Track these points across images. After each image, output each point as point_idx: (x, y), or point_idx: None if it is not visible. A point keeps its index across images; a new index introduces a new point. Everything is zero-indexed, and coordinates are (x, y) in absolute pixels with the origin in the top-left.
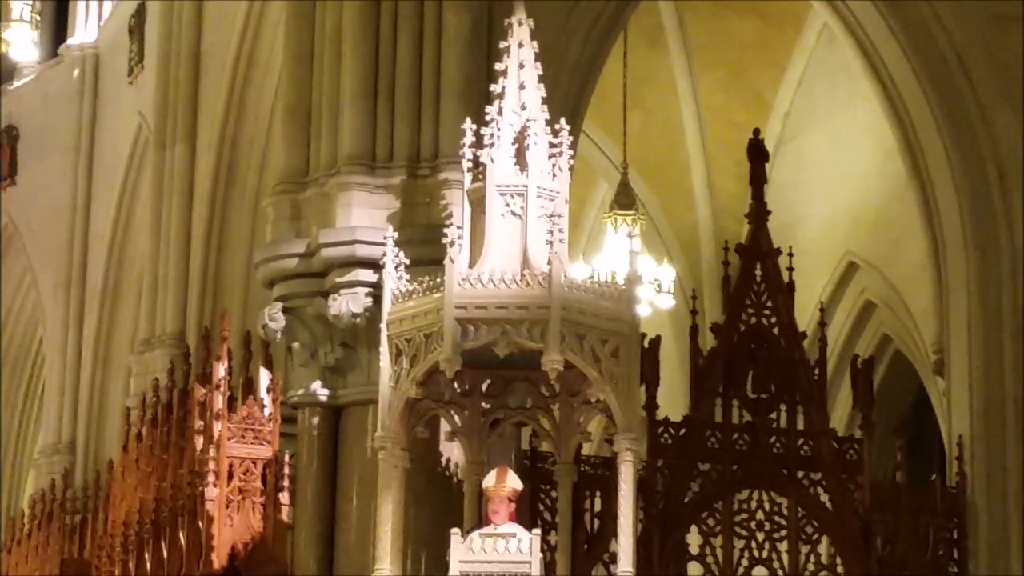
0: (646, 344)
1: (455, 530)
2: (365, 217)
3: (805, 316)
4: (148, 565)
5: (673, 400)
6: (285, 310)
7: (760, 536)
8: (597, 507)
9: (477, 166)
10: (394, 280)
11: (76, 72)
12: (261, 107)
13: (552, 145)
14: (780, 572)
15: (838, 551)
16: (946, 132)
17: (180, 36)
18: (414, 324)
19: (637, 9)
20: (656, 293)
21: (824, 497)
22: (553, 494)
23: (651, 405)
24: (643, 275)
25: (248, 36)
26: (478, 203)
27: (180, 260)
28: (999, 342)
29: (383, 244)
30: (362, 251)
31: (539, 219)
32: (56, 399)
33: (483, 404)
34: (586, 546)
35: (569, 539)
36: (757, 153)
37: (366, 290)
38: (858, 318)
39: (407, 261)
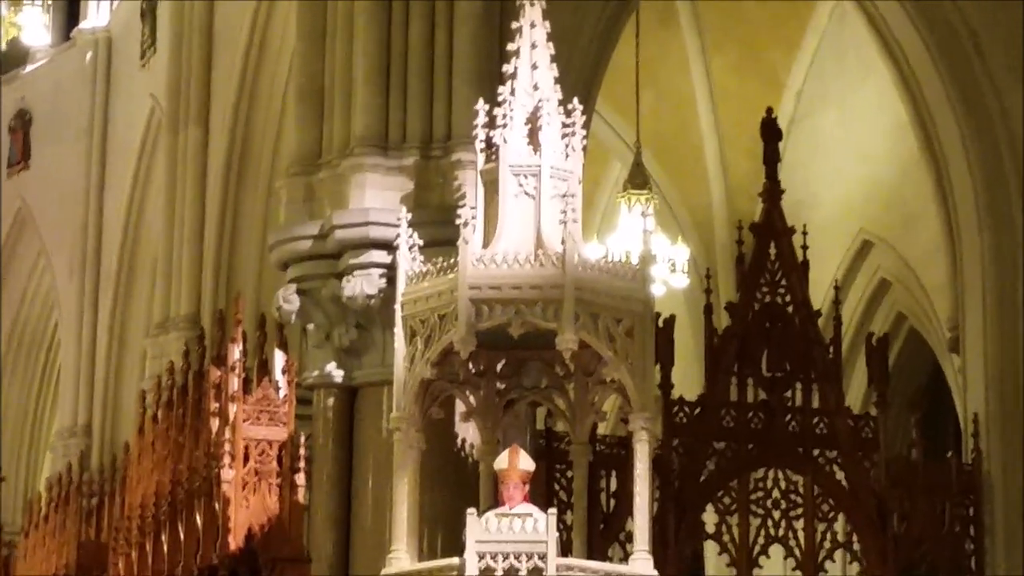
0: (660, 323)
1: (471, 510)
2: (378, 198)
3: (819, 294)
4: (165, 547)
5: (688, 379)
6: (299, 292)
7: (776, 514)
8: (613, 486)
9: (490, 147)
10: (408, 261)
11: (88, 56)
12: (274, 89)
13: (565, 125)
14: (796, 550)
15: (854, 528)
16: (959, 109)
17: (192, 19)
18: (428, 305)
19: None
20: (670, 272)
21: (840, 475)
22: (569, 474)
23: (666, 384)
24: (657, 254)
25: (260, 18)
26: (491, 184)
27: (194, 243)
28: (1014, 318)
29: (397, 225)
30: (376, 232)
31: (552, 199)
32: (72, 382)
33: (498, 384)
34: (602, 525)
35: (585, 518)
36: (770, 132)
37: (380, 271)
38: (873, 296)
39: (421, 242)
